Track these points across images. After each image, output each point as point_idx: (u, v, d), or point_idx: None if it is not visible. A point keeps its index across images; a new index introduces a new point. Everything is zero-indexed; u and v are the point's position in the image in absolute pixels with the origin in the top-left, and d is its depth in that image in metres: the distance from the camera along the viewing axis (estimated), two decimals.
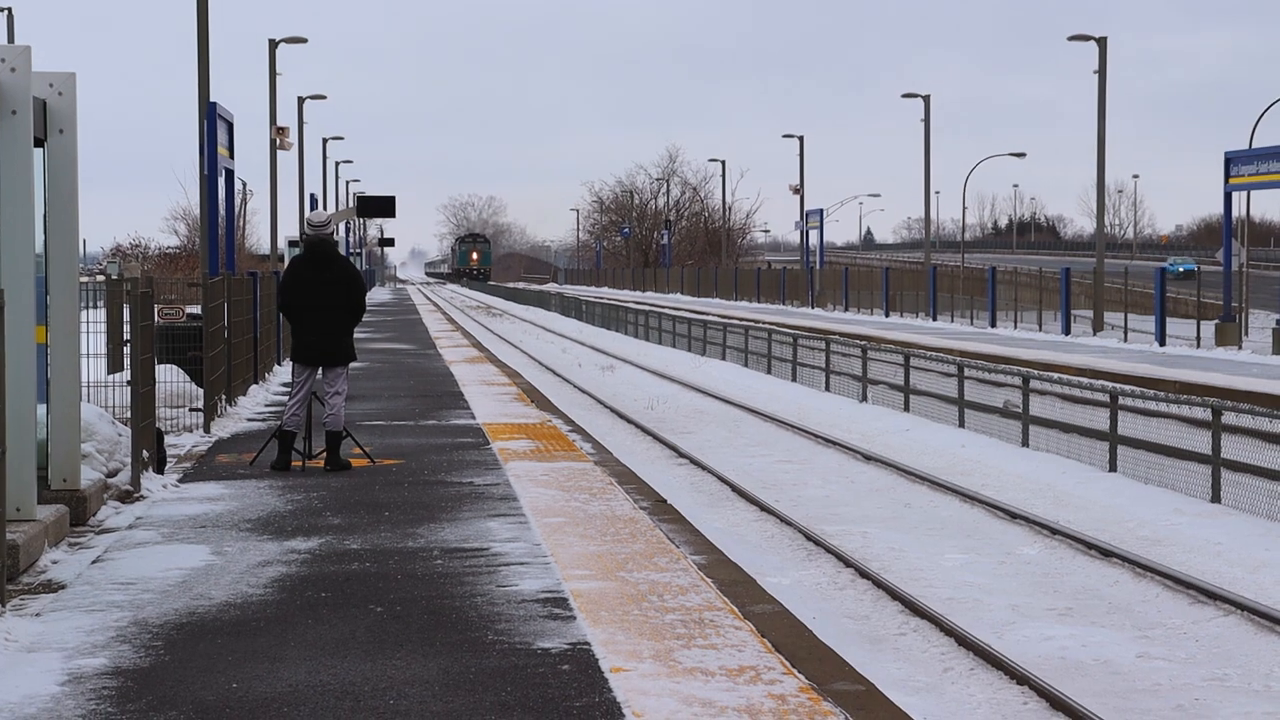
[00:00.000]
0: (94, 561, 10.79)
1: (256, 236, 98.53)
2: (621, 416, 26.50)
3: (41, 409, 11.66)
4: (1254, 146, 44.79)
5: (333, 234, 15.95)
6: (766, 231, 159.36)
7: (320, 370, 15.56)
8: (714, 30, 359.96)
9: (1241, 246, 45.60)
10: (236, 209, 64.47)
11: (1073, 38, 51.08)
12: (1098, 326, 47.19)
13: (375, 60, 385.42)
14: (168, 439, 16.78)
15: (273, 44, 50.15)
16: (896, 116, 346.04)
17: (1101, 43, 50.18)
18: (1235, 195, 42.55)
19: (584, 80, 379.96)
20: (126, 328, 17.87)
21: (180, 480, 14.74)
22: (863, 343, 32.49)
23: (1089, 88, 62.99)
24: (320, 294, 15.34)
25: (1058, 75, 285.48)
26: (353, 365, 16.87)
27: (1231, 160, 40.75)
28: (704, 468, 19.85)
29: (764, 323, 48.40)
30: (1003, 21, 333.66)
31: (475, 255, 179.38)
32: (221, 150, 24.69)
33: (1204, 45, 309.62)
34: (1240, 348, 38.49)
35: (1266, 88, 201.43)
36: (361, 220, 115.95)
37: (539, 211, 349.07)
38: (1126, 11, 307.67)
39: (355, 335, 15.85)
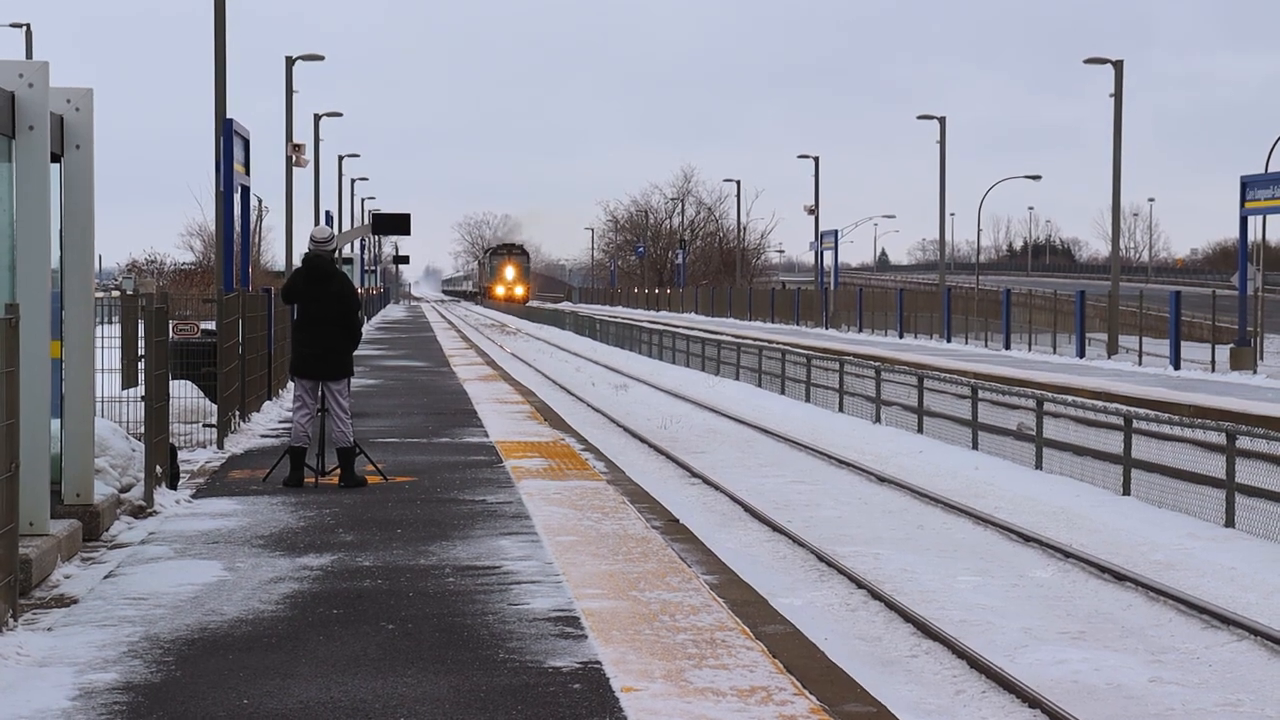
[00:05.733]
0: (106, 576, 10.80)
1: (272, 253, 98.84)
2: (635, 435, 26.49)
3: (55, 424, 11.68)
4: (1270, 171, 44.73)
5: (334, 251, 16.05)
6: (781, 252, 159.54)
7: (320, 386, 15.59)
8: (731, 51, 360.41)
9: (1257, 270, 45.50)
10: (252, 225, 64.59)
11: (1089, 61, 51.07)
12: (1112, 349, 47.12)
13: (392, 78, 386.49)
14: (181, 454, 16.81)
15: (289, 61, 50.29)
16: (912, 138, 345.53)
17: (1118, 66, 50.13)
18: (1251, 219, 42.50)
19: (600, 100, 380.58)
20: (141, 343, 17.92)
21: (193, 496, 14.76)
22: (877, 364, 32.45)
23: (1106, 110, 63.01)
24: (315, 308, 15.46)
25: (1076, 97, 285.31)
26: (366, 382, 16.96)
27: (1248, 184, 40.71)
28: (717, 487, 19.84)
29: (778, 343, 48.36)
30: (1023, 43, 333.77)
31: (512, 271, 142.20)
32: (238, 167, 24.74)
33: (1227, 67, 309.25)
34: (1255, 372, 38.41)
35: None
36: (376, 238, 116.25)
37: (554, 230, 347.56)
38: (1144, 32, 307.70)
39: (370, 352, 15.94)
